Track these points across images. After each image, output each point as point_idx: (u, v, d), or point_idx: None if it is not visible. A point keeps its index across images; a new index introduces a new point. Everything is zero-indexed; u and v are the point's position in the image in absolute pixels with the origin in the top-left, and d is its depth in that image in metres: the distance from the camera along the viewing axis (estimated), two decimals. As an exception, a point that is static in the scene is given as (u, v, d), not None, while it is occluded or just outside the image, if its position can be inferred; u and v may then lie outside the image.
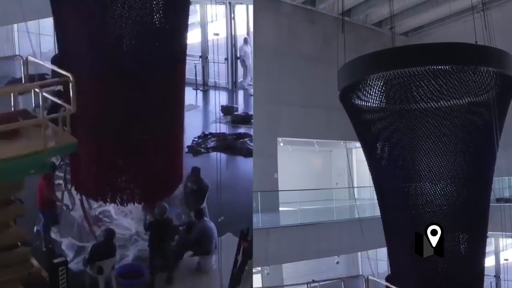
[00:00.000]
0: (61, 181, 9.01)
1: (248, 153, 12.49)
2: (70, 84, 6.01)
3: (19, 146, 5.92)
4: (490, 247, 18.55)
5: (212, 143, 12.72)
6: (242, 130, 13.74)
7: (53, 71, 7.00)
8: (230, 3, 16.70)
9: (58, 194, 8.77)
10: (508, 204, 12.82)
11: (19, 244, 6.68)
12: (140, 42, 7.09)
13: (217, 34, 15.53)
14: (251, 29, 16.26)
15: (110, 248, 7.83)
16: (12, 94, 6.75)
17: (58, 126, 6.17)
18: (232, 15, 16.75)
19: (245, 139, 12.79)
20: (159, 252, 8.01)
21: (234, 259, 7.73)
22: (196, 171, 9.38)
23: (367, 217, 15.67)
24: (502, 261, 18.54)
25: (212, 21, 16.39)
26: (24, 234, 6.83)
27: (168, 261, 8.09)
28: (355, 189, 21.87)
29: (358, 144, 8.04)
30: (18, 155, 5.82)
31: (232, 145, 12.78)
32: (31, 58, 6.97)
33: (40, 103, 5.96)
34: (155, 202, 8.23)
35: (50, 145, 6.01)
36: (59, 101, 6.37)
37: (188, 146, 12.38)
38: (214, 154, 12.10)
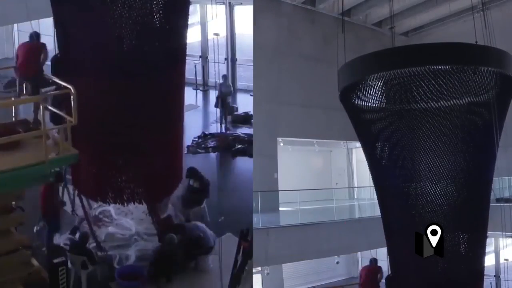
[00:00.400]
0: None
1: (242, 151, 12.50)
2: (72, 97, 6.05)
3: (20, 157, 5.97)
4: (490, 247, 18.56)
5: (212, 143, 12.72)
6: (242, 130, 13.76)
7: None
8: (230, 3, 16.72)
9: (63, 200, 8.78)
10: (508, 204, 12.82)
11: (20, 247, 6.69)
12: (140, 42, 7.09)
13: (217, 34, 15.53)
14: (251, 32, 16.24)
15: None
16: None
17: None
18: (232, 15, 16.78)
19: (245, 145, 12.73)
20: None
21: (234, 259, 7.73)
22: (193, 171, 9.35)
23: (367, 217, 15.69)
24: (502, 261, 18.54)
25: (212, 20, 16.41)
26: (25, 240, 6.85)
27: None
28: (355, 189, 21.91)
29: (358, 144, 8.03)
30: (19, 166, 5.85)
31: (232, 145, 12.79)
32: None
33: (42, 115, 6.00)
34: (155, 202, 8.23)
35: (51, 156, 6.05)
36: (61, 113, 6.43)
37: (188, 146, 12.39)
38: (214, 154, 12.11)
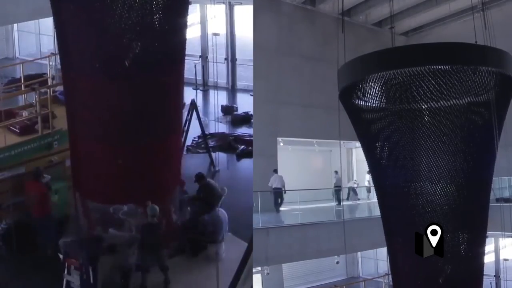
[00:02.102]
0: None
1: (247, 154, 12.53)
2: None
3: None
4: (490, 247, 18.57)
5: (212, 143, 12.72)
6: (242, 130, 13.78)
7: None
8: (229, 3, 16.72)
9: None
10: (508, 204, 12.82)
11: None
12: (140, 42, 7.09)
13: (217, 34, 15.54)
14: (251, 32, 16.27)
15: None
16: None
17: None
18: (232, 15, 16.79)
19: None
20: (150, 257, 7.95)
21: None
22: (199, 177, 9.33)
23: (367, 217, 15.69)
24: (502, 261, 18.56)
25: (212, 20, 16.42)
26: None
27: (163, 264, 8.06)
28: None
29: (358, 144, 8.03)
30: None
31: (232, 145, 12.80)
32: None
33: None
34: (153, 202, 8.19)
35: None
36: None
37: (188, 146, 12.39)
38: (214, 154, 12.11)
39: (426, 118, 6.43)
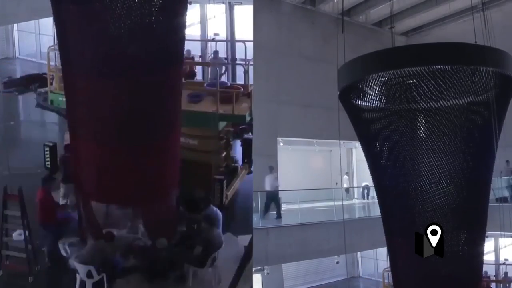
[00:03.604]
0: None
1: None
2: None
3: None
4: (490, 247, 18.57)
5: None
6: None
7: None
8: (229, 3, 16.74)
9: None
10: (507, 204, 12.82)
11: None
12: (139, 43, 7.09)
13: (217, 34, 15.55)
14: (251, 31, 16.22)
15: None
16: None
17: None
18: (232, 15, 16.80)
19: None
20: None
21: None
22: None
23: (368, 216, 15.70)
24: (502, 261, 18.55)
25: (212, 20, 16.43)
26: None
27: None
28: (355, 189, 21.93)
29: (358, 144, 8.03)
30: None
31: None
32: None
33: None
34: (152, 204, 8.18)
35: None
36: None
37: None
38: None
39: (426, 118, 6.43)
